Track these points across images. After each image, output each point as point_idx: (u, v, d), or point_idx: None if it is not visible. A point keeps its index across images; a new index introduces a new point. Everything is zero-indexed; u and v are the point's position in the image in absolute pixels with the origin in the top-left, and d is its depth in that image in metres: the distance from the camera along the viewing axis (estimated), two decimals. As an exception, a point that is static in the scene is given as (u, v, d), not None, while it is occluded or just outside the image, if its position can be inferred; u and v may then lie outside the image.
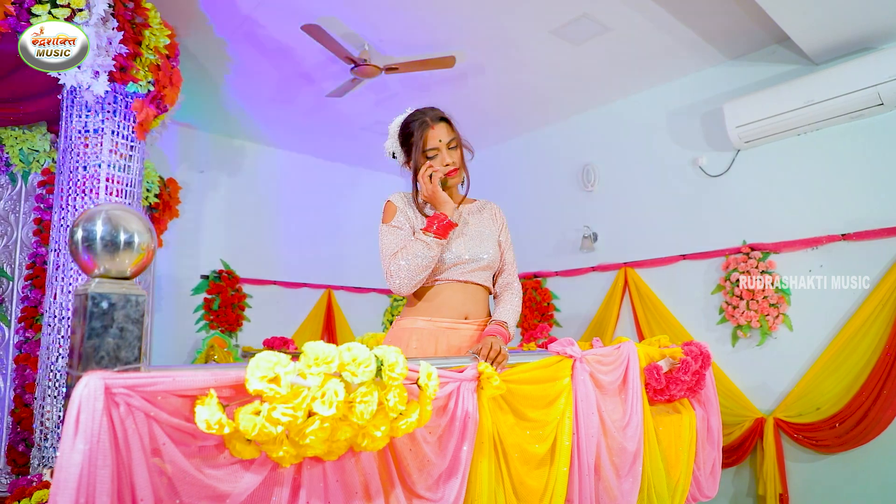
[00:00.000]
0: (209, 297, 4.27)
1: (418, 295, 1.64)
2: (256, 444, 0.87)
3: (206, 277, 4.31)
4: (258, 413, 0.83)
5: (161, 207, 3.64)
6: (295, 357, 0.87)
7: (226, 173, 4.58)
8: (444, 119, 1.65)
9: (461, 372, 1.19)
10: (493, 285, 1.74)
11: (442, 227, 1.51)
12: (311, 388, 0.85)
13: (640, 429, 1.56)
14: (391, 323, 5.24)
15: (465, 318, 1.61)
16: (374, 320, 5.26)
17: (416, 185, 1.63)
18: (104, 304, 0.75)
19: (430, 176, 1.57)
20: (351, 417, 0.88)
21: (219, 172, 4.54)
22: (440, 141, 1.61)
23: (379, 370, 0.92)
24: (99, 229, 0.77)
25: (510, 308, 1.64)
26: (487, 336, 1.37)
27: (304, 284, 4.81)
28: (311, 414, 0.86)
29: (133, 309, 0.77)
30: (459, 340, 1.53)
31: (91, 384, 0.72)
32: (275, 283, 4.64)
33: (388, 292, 5.36)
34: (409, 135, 1.64)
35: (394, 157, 1.73)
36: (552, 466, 1.33)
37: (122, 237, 0.78)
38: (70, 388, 0.77)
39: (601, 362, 1.52)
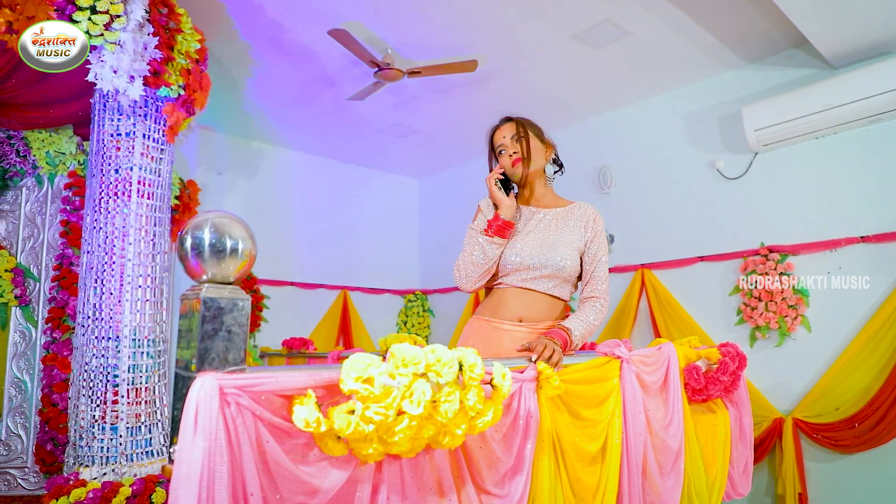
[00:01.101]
0: (227, 297, 4.30)
1: (484, 295, 1.72)
2: (345, 441, 0.91)
3: (224, 278, 4.34)
4: (352, 412, 0.86)
5: (181, 209, 3.68)
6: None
7: (243, 175, 4.62)
8: (510, 119, 1.78)
9: (521, 372, 1.22)
10: (581, 295, 1.70)
11: (497, 228, 1.56)
12: (400, 387, 0.89)
13: (682, 428, 1.60)
14: (405, 324, 5.29)
15: (520, 321, 1.62)
16: (389, 321, 5.29)
17: None
18: (214, 308, 0.79)
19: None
20: (436, 416, 0.92)
21: (236, 174, 4.58)
22: (504, 137, 1.74)
23: (459, 370, 0.95)
24: (207, 237, 0.81)
25: (581, 318, 1.59)
26: (543, 336, 1.40)
27: (320, 285, 4.84)
28: (399, 413, 0.90)
29: (239, 313, 0.81)
30: (511, 342, 1.54)
31: (206, 385, 0.76)
32: (292, 284, 4.68)
33: (402, 293, 5.41)
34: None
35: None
36: (604, 464, 1.36)
37: (228, 244, 0.82)
38: (180, 387, 0.81)
39: (645, 363, 1.56)
